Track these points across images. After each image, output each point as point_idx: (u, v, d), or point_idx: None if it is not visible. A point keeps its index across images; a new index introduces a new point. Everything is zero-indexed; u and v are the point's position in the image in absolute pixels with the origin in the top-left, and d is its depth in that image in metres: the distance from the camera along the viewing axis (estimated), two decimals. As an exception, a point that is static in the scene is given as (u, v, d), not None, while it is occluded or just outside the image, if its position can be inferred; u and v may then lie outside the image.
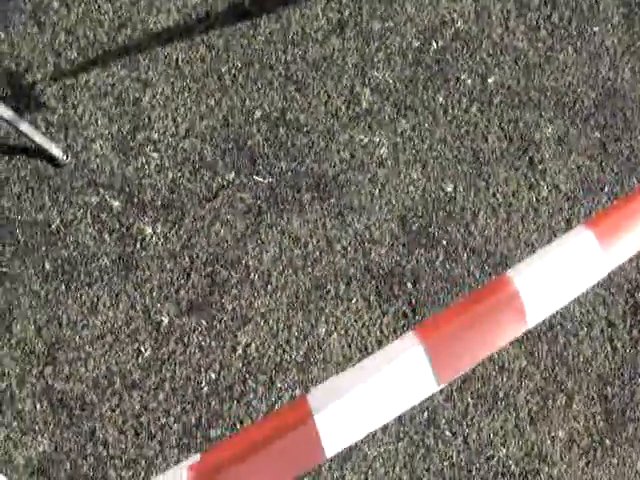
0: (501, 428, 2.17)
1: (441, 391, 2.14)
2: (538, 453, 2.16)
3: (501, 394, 2.19)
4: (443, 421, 2.14)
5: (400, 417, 2.12)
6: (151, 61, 2.28)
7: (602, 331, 2.30)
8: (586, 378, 2.24)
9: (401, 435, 2.11)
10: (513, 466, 2.14)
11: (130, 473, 2.02)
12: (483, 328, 0.99)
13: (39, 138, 2.05)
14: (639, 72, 2.57)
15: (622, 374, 2.27)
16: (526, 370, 2.22)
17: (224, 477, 0.91)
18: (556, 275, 1.04)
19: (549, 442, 2.18)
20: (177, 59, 2.29)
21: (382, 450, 2.10)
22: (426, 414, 2.13)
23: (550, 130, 2.43)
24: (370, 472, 2.07)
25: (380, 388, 0.94)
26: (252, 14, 2.36)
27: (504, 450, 2.15)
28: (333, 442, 0.93)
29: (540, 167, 2.39)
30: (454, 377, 0.98)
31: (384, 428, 2.10)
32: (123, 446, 2.03)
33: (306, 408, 0.93)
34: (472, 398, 2.17)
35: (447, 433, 2.14)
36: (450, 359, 0.97)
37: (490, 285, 1.05)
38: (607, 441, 2.20)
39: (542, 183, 2.38)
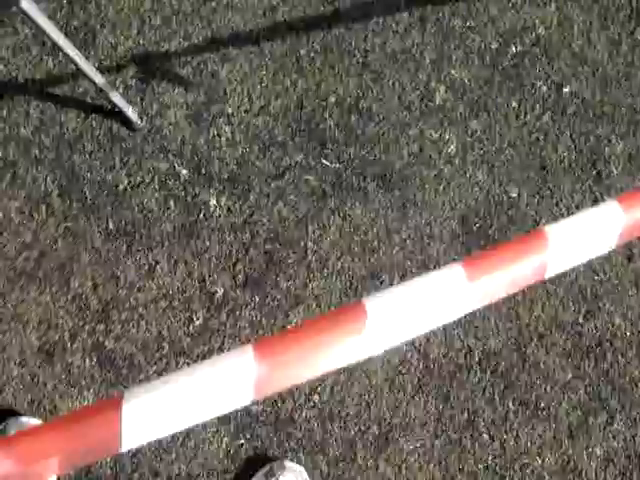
0: (539, 438, 2.16)
1: (483, 393, 2.14)
2: (573, 468, 2.15)
3: (543, 404, 2.18)
4: (482, 424, 2.14)
5: (440, 415, 2.12)
6: (232, 36, 2.30)
7: (651, 353, 2.28)
8: (630, 398, 2.23)
9: (439, 432, 2.12)
10: (547, 477, 2.13)
11: (169, 437, 2.05)
12: (321, 351, 0.99)
13: (117, 99, 2.09)
14: None
15: (667, 399, 2.25)
16: (571, 383, 2.20)
17: None
18: (412, 306, 1.03)
19: (586, 458, 2.16)
20: (258, 36, 2.31)
21: (418, 445, 2.10)
22: (466, 415, 2.13)
23: (621, 146, 2.41)
24: (404, 466, 2.08)
25: (199, 388, 0.94)
26: (335, 0, 2.37)
27: (539, 460, 2.14)
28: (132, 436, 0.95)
29: (607, 182, 2.37)
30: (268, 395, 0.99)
31: (423, 424, 2.11)
32: (165, 410, 2.06)
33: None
34: (514, 404, 2.16)
35: (485, 436, 2.14)
36: (271, 379, 0.97)
37: (344, 309, 1.04)
38: (644, 464, 2.19)
39: (607, 198, 2.36)
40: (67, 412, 2.04)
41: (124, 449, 0.93)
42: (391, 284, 2.17)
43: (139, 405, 0.92)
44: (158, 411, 0.92)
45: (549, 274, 1.11)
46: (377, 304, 1.01)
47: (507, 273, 1.06)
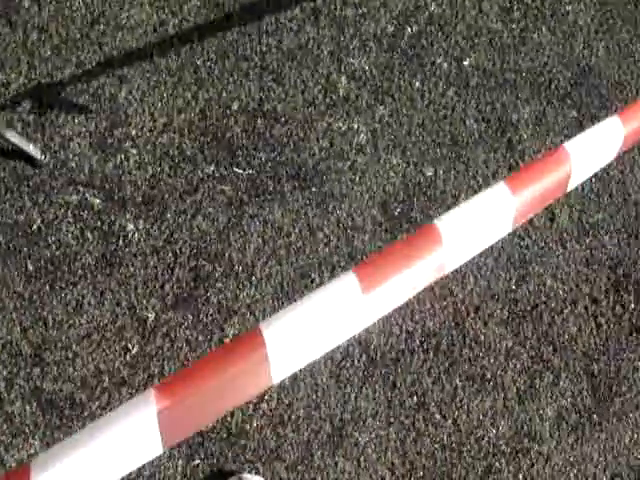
0: (490, 409, 2.18)
1: (429, 374, 2.16)
2: (527, 432, 2.18)
3: (489, 375, 2.20)
4: (432, 404, 2.15)
5: (390, 403, 2.13)
6: (126, 56, 2.26)
7: (586, 308, 2.32)
8: (572, 355, 2.27)
9: (391, 420, 2.13)
10: (503, 446, 2.16)
11: (123, 470, 2.01)
12: (224, 390, 0.96)
13: (16, 139, 2.04)
14: (613, 50, 2.59)
15: (607, 350, 2.29)
16: (513, 350, 2.23)
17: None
18: (310, 327, 1.00)
19: (538, 420, 2.20)
20: (152, 53, 2.28)
21: (373, 436, 2.11)
22: (415, 398, 2.15)
23: (527, 111, 2.44)
24: (362, 458, 2.08)
25: (108, 447, 0.91)
26: (225, 5, 2.35)
27: (494, 430, 2.17)
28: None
29: (519, 148, 2.40)
30: (179, 441, 0.98)
31: (374, 414, 2.11)
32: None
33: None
34: (460, 380, 2.18)
35: (437, 416, 2.15)
36: (178, 424, 0.95)
37: (242, 339, 1.00)
38: (595, 417, 2.23)
39: (521, 164, 2.39)
40: (14, 462, 1.99)
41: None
42: (321, 282, 2.16)
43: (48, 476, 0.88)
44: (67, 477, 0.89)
45: (448, 269, 1.09)
46: (274, 330, 0.98)
47: (403, 279, 1.03)
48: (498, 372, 2.21)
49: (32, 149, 2.10)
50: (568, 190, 1.26)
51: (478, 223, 1.09)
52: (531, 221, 2.34)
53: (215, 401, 0.94)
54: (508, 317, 2.25)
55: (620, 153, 1.35)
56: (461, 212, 1.10)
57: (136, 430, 0.90)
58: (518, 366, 2.23)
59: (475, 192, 2.30)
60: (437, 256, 1.05)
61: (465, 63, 2.44)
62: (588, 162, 1.27)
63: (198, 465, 2.04)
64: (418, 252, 1.04)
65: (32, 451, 1.99)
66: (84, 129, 2.19)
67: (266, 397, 2.08)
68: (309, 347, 0.99)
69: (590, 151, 1.27)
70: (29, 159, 2.13)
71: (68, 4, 2.29)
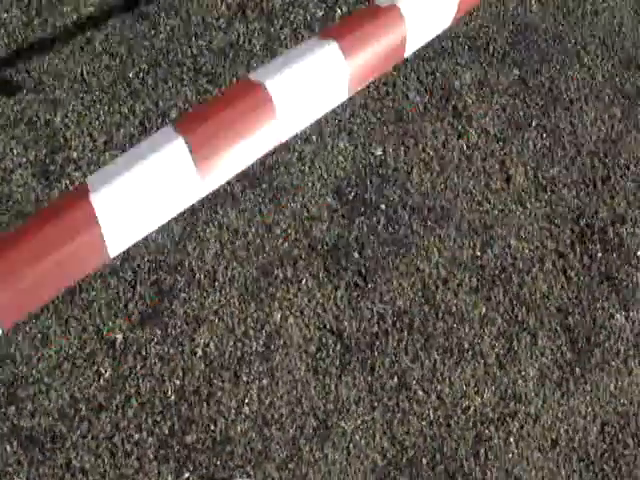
0: (472, 377, 2.18)
1: (406, 353, 2.15)
2: (512, 395, 2.18)
3: (466, 344, 2.20)
4: (414, 382, 2.15)
5: (371, 387, 2.12)
6: (56, 79, 2.23)
7: (554, 264, 2.32)
8: (546, 313, 2.26)
9: (375, 404, 2.12)
10: (490, 412, 2.15)
11: (113, 495, 2.00)
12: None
13: (-45, 179, 2.00)
14: (546, 3, 2.58)
15: (580, 302, 2.29)
16: (486, 316, 2.23)
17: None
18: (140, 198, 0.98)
19: (521, 382, 2.20)
20: (82, 72, 2.24)
21: (359, 422, 2.10)
22: (396, 379, 2.14)
23: (469, 76, 2.43)
24: (351, 446, 2.07)
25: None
26: (149, 14, 2.31)
27: (479, 399, 2.16)
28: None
29: (465, 114, 2.39)
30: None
31: (357, 400, 2.10)
32: (101, 470, 2.01)
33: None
34: (438, 354, 2.18)
35: (420, 393, 2.15)
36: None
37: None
38: (577, 370, 2.23)
39: (470, 129, 2.38)
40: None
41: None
42: (285, 277, 2.15)
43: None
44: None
45: (283, 139, 1.05)
46: (104, 196, 0.97)
47: (237, 151, 1.00)
48: (475, 340, 2.21)
49: (-27, 187, 2.06)
50: (406, 56, 1.25)
51: (311, 89, 1.06)
52: (487, 184, 2.33)
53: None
54: (477, 284, 2.25)
55: (455, 19, 1.33)
56: (292, 75, 1.05)
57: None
58: (494, 331, 2.22)
59: (427, 165, 2.29)
60: (272, 127, 1.02)
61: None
62: (424, 26, 1.24)
63: (188, 478, 2.02)
64: (253, 124, 1.01)
65: (19, 489, 1.98)
66: (24, 159, 2.16)
67: (246, 400, 2.07)
68: (142, 219, 0.97)
69: (425, 14, 1.24)
70: (-27, 197, 2.10)
71: (-9, 35, 2.25)
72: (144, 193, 0.94)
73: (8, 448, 1.98)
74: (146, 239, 2.13)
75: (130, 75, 2.25)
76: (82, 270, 0.93)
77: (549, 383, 2.21)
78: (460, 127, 2.37)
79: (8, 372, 2.03)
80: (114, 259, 1.90)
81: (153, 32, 2.29)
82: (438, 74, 2.40)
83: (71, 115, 2.20)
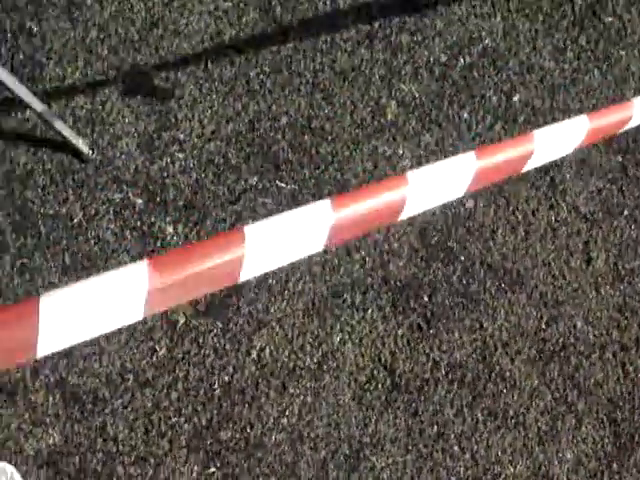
0: (510, 446, 2.17)
1: (451, 405, 2.15)
2: (545, 473, 2.17)
3: (511, 412, 2.19)
4: (452, 436, 2.14)
5: (410, 430, 2.12)
6: (181, 62, 2.29)
7: (615, 354, 2.30)
8: (596, 401, 2.25)
9: (409, 447, 2.12)
10: (520, 485, 2.14)
11: (138, 470, 2.02)
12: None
13: (67, 132, 2.07)
14: (664, 98, 2.58)
15: (633, 398, 2.27)
16: (537, 389, 2.22)
17: None
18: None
19: (557, 463, 2.18)
20: (207, 61, 2.30)
21: (390, 461, 2.10)
22: (436, 428, 2.14)
23: (572, 151, 2.44)
24: (377, 483, 2.08)
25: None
26: (282, 21, 2.37)
27: (511, 469, 2.15)
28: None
29: (561, 188, 2.40)
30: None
31: (393, 439, 2.11)
32: (133, 443, 2.03)
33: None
34: (482, 414, 2.17)
35: (455, 448, 2.14)
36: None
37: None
38: (615, 465, 2.21)
39: (562, 204, 2.39)
40: (33, 449, 2.00)
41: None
42: (353, 302, 2.17)
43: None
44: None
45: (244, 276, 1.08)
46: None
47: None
48: (521, 410, 2.20)
49: (81, 143, 2.12)
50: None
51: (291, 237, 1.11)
52: (567, 261, 2.33)
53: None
54: (535, 356, 2.24)
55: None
56: (271, 224, 1.11)
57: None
58: (541, 406, 2.21)
59: (513, 228, 2.30)
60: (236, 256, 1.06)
61: (514, 98, 2.44)
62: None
63: (213, 473, 2.04)
64: (220, 249, 1.04)
65: (51, 442, 2.01)
66: (133, 129, 2.22)
67: (287, 412, 2.08)
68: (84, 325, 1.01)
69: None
70: (77, 153, 2.16)
71: (129, 6, 2.33)
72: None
73: (50, 399, 2.02)
74: (229, 233, 2.17)
75: (251, 74, 2.31)
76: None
77: (584, 471, 2.19)
78: (553, 199, 2.38)
79: (69, 327, 2.07)
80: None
81: (282, 39, 2.35)
82: (543, 143, 2.42)
83: (187, 98, 2.26)
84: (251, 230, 1.05)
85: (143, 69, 2.28)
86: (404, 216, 1.23)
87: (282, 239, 1.10)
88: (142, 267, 0.97)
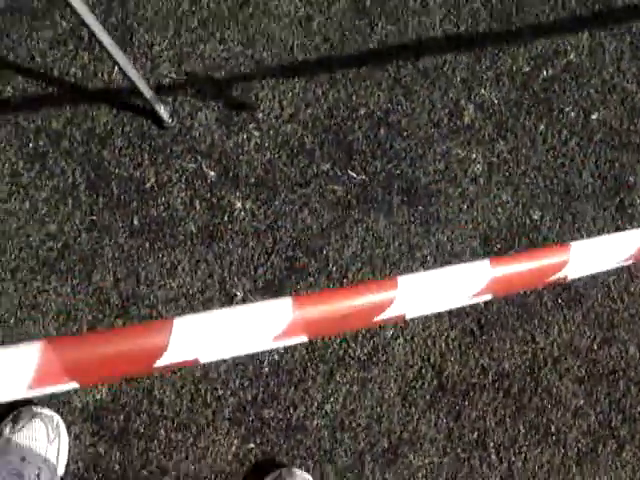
0: (547, 462, 2.16)
1: (494, 414, 2.14)
2: (580, 494, 2.15)
3: (553, 428, 2.18)
4: (491, 444, 2.14)
5: (450, 433, 2.12)
6: (267, 42, 2.32)
7: (664, 385, 2.28)
8: (640, 429, 2.23)
9: (448, 450, 2.12)
10: (553, 502, 2.13)
11: (180, 436, 2.05)
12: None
13: (150, 96, 2.10)
14: None
15: (677, 432, 2.25)
16: (582, 409, 2.20)
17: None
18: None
19: (593, 485, 2.16)
20: (292, 44, 2.33)
21: (427, 462, 2.11)
22: (476, 434, 2.14)
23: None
24: (412, 480, 2.08)
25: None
26: (371, 13, 2.38)
27: (546, 484, 2.14)
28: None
29: (629, 211, 2.38)
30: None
31: (433, 440, 2.11)
32: (177, 409, 2.06)
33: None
34: (524, 427, 2.16)
35: (493, 457, 2.14)
36: None
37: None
38: (651, 495, 2.19)
39: (629, 227, 2.37)
40: (80, 402, 2.05)
41: None
42: (410, 299, 2.17)
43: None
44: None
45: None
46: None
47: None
48: (563, 428, 2.18)
49: (162, 110, 2.16)
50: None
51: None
52: (627, 285, 2.31)
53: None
54: (584, 376, 2.23)
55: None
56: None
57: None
58: (584, 427, 2.20)
59: (577, 245, 2.28)
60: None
61: (593, 117, 2.42)
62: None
63: (252, 449, 2.06)
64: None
65: (98, 397, 2.05)
66: (214, 103, 2.25)
67: (331, 398, 2.10)
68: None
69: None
70: (157, 120, 2.20)
71: (223, -18, 2.36)
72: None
73: (103, 356, 2.06)
74: (296, 216, 2.19)
75: (335, 63, 2.33)
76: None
77: (619, 498, 2.17)
78: (620, 222, 2.36)
79: (129, 287, 2.12)
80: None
81: (368, 31, 2.36)
82: (617, 164, 2.40)
83: (268, 78, 2.29)
84: (180, 322, 1.08)
85: (230, 46, 2.31)
86: (385, 317, 1.23)
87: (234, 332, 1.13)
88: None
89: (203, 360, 1.07)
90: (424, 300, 1.18)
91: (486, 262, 1.23)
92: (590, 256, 1.37)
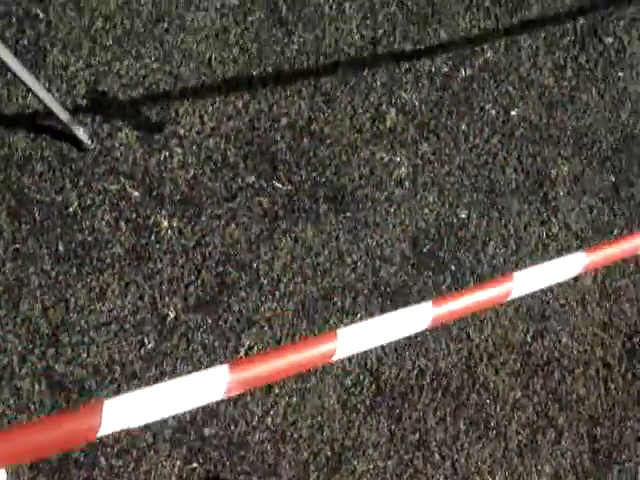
0: (490, 457, 2.19)
1: (434, 413, 2.16)
2: (523, 485, 2.19)
3: (493, 423, 2.21)
4: (434, 444, 2.16)
5: (392, 436, 2.13)
6: (184, 57, 2.30)
7: (597, 371, 2.33)
8: (577, 416, 2.27)
9: (391, 453, 2.13)
10: (497, 495, 2.16)
11: (120, 462, 2.02)
12: None
13: (67, 119, 2.06)
14: (659, 121, 2.61)
15: (613, 416, 2.30)
16: (519, 402, 2.24)
17: None
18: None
19: (535, 476, 2.20)
20: (210, 58, 2.31)
21: (371, 466, 2.11)
22: (418, 435, 2.15)
23: (566, 168, 2.47)
24: (357, 486, 2.09)
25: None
26: (288, 22, 2.38)
27: (490, 479, 2.17)
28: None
29: (553, 204, 2.42)
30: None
31: (375, 444, 2.12)
32: (116, 435, 2.03)
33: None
34: (464, 424, 2.19)
35: (436, 456, 2.16)
36: None
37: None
38: (591, 481, 2.23)
39: (554, 220, 2.41)
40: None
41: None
42: (342, 307, 2.18)
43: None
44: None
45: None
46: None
47: None
48: (503, 422, 2.22)
49: (81, 132, 2.12)
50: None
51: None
52: (556, 278, 2.36)
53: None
54: (520, 369, 2.26)
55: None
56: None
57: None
58: (523, 419, 2.23)
59: (504, 241, 2.32)
60: None
61: (513, 113, 2.46)
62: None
63: (195, 469, 2.04)
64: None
65: (34, 429, 2.00)
66: (133, 121, 2.22)
67: (271, 412, 2.09)
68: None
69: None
70: (76, 142, 2.16)
71: (136, -2, 2.33)
72: None
73: (36, 387, 2.02)
74: (224, 231, 2.18)
75: (254, 73, 2.32)
76: None
77: (561, 485, 2.21)
78: (545, 215, 2.40)
79: (58, 315, 2.08)
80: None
81: (286, 40, 2.36)
82: (539, 158, 2.44)
83: (189, 93, 2.27)
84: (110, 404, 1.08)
85: (146, 62, 2.28)
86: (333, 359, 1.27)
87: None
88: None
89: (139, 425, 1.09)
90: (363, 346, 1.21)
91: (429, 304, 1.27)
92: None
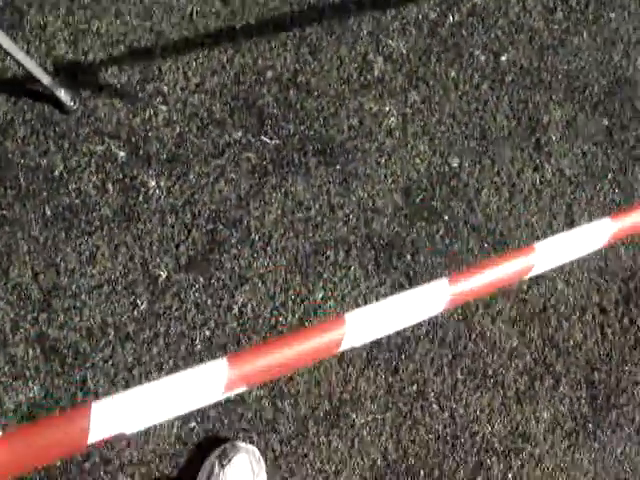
0: (488, 405, 2.19)
1: (431, 364, 2.16)
2: (522, 432, 2.19)
3: (490, 372, 2.20)
4: (432, 394, 2.16)
5: (390, 388, 2.13)
6: (165, 12, 2.25)
7: (594, 317, 2.32)
8: (574, 362, 2.27)
9: (389, 405, 2.13)
10: (497, 443, 2.16)
11: (118, 424, 2.02)
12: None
13: (48, 81, 2.02)
14: (652, 62, 2.57)
15: (610, 360, 2.30)
16: (517, 350, 2.23)
17: None
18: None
19: (533, 422, 2.20)
20: (192, 12, 2.26)
21: (370, 419, 2.11)
22: (415, 386, 2.15)
23: (559, 113, 2.43)
24: (357, 440, 2.09)
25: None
26: (270, -28, 2.33)
27: (489, 427, 2.17)
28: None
29: (546, 149, 2.39)
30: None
31: (373, 397, 2.12)
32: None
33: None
34: (462, 374, 2.19)
35: (435, 406, 2.16)
36: None
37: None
38: (590, 425, 2.23)
39: (547, 165, 2.38)
40: (12, 405, 2.00)
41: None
42: (336, 260, 2.16)
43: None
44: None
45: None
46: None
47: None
48: (500, 370, 2.21)
49: (63, 94, 2.08)
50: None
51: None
52: (550, 223, 2.34)
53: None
54: (516, 316, 2.25)
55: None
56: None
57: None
58: (520, 366, 2.23)
59: (497, 189, 2.29)
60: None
61: (502, 58, 2.42)
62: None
63: (193, 428, 2.04)
64: None
65: (31, 395, 2.00)
66: (116, 80, 2.18)
67: (268, 368, 2.08)
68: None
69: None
70: (58, 104, 2.12)
71: (113, -47, 2.27)
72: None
73: (30, 352, 2.01)
74: (213, 188, 2.15)
75: (237, 27, 2.27)
76: None
77: (560, 431, 2.21)
78: (538, 161, 2.38)
79: (49, 279, 2.06)
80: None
81: (269, -9, 2.31)
82: (530, 104, 2.41)
83: (171, 49, 2.22)
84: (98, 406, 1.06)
85: (127, 19, 2.23)
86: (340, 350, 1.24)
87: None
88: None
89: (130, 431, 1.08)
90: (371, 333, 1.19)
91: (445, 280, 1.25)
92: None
